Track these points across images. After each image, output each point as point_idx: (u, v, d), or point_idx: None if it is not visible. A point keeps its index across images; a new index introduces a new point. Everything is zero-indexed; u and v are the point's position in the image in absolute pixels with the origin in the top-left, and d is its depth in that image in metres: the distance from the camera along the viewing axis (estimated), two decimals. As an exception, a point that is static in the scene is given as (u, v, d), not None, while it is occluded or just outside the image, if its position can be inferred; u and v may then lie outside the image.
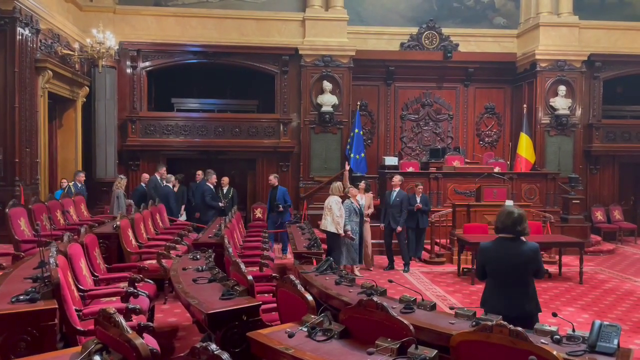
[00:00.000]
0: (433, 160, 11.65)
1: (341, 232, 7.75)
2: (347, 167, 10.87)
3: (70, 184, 9.67)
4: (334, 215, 7.70)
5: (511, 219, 3.70)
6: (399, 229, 8.73)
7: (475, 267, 3.94)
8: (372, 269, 8.85)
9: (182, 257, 5.57)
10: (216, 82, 13.28)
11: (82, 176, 9.84)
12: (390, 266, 8.90)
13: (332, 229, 7.72)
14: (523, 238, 3.73)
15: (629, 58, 12.77)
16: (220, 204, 10.15)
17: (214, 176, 10.08)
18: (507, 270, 3.65)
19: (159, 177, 10.28)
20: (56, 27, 9.84)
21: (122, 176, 10.09)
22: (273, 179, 9.85)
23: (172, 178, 10.42)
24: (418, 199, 9.03)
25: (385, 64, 12.83)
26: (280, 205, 9.58)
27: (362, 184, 9.06)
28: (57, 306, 3.28)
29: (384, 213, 9.01)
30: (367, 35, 12.77)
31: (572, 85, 12.52)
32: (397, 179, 9.06)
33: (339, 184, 8.31)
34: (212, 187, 9.99)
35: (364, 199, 8.74)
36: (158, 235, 7.77)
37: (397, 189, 8.91)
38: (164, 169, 10.65)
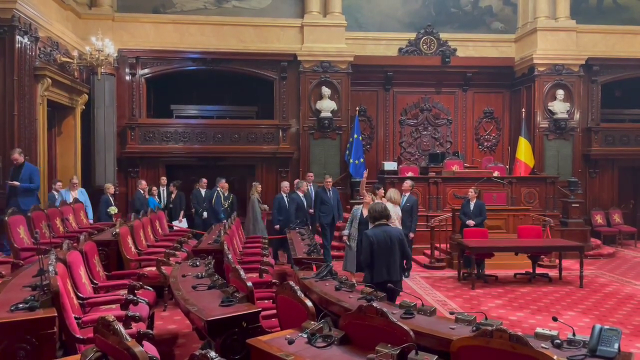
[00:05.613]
0: (432, 164, 11.64)
1: None
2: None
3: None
4: None
5: (385, 209, 5.22)
6: (412, 235, 8.54)
7: (364, 251, 5.16)
8: None
9: (181, 263, 5.56)
10: (215, 89, 13.31)
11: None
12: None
13: None
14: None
15: (627, 62, 12.81)
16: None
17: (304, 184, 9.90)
18: (391, 246, 5.01)
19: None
20: (55, 34, 9.86)
21: (256, 182, 10.33)
22: (17, 155, 7.90)
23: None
24: (471, 205, 8.79)
25: (384, 69, 12.86)
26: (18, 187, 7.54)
27: (380, 191, 8.65)
28: (56, 314, 3.28)
29: None
30: (365, 40, 12.80)
31: (570, 89, 12.56)
32: (407, 183, 8.93)
33: (395, 190, 7.89)
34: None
35: None
36: (157, 242, 7.76)
37: (407, 194, 8.76)
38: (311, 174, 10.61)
